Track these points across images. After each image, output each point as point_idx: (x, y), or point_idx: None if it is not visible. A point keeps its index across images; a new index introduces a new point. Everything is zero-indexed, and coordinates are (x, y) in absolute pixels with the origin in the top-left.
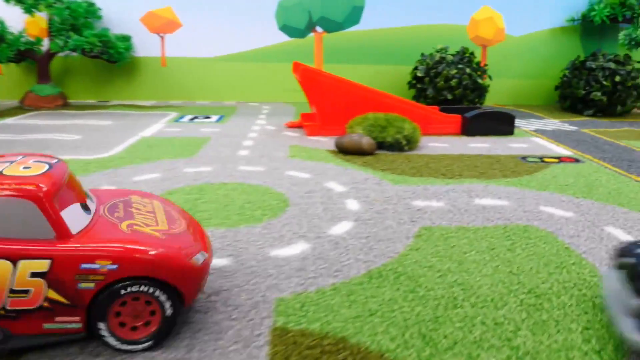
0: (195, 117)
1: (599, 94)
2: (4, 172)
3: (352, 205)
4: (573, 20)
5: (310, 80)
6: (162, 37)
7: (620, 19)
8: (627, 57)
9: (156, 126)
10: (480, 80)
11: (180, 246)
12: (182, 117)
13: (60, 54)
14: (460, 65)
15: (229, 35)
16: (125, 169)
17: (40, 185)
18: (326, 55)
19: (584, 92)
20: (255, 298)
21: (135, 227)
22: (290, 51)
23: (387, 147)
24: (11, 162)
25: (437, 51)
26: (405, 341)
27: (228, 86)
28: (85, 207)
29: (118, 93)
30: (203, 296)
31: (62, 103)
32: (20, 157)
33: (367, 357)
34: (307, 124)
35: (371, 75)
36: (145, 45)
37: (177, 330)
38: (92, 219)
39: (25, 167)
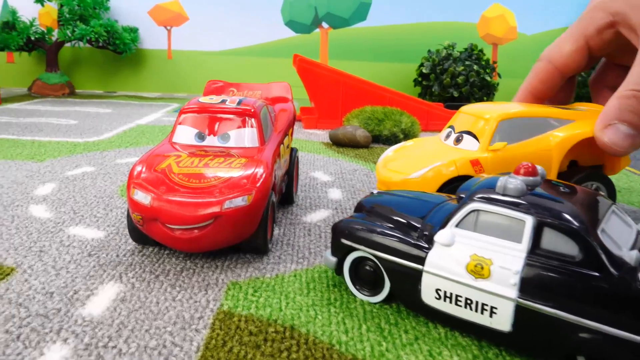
0: None
1: None
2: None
3: (334, 194)
4: None
5: (307, 72)
6: (168, 30)
7: None
8: None
9: (154, 115)
10: (488, 78)
11: None
12: None
13: (69, 44)
14: (467, 62)
15: (235, 29)
16: (111, 152)
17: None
18: (332, 52)
19: None
20: (207, 280)
21: None
22: (296, 47)
23: (384, 140)
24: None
25: (444, 47)
26: (361, 334)
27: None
28: None
29: (124, 84)
30: (150, 276)
31: (68, 92)
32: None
33: (312, 348)
34: (304, 117)
35: (377, 72)
36: (152, 38)
37: (113, 306)
38: None
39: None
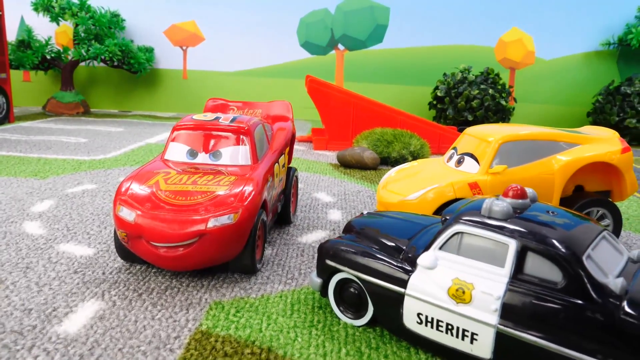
0: None
1: (634, 120)
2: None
3: (334, 215)
4: (609, 44)
5: (318, 93)
6: (184, 50)
7: None
8: None
9: (166, 134)
10: (504, 103)
11: None
12: None
13: (84, 63)
14: (483, 86)
15: (250, 50)
16: (115, 170)
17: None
18: (347, 73)
19: (617, 118)
20: (190, 300)
21: None
22: (311, 68)
23: (392, 162)
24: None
25: (460, 71)
26: (339, 358)
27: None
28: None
29: (139, 104)
30: (133, 295)
31: (83, 110)
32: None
33: None
34: (315, 138)
35: (393, 94)
36: (167, 58)
37: (90, 324)
38: None
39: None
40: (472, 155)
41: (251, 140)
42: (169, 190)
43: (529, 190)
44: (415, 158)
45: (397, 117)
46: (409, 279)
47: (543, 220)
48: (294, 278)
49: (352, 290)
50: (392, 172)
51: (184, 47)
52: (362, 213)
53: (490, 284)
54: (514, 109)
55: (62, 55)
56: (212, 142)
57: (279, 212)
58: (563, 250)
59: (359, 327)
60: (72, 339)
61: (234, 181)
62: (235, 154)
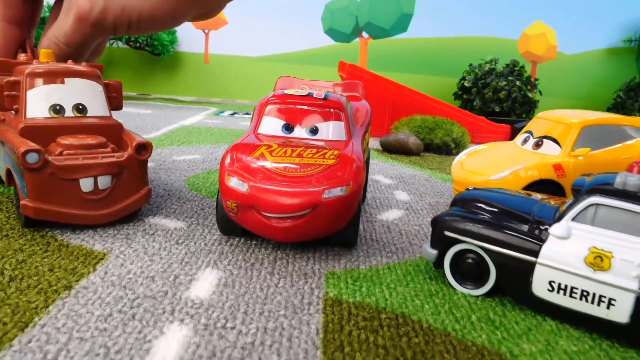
0: (235, 113)
1: None
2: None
3: (401, 196)
4: (630, 40)
5: (357, 79)
6: (206, 34)
7: None
8: None
9: (196, 117)
10: (530, 95)
11: None
12: (222, 112)
13: (107, 43)
14: (510, 78)
15: (273, 35)
16: (165, 150)
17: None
18: (370, 62)
19: (638, 114)
20: (303, 270)
21: None
22: (334, 55)
23: (434, 149)
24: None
25: (487, 62)
26: (472, 323)
27: (269, 87)
28: None
29: (159, 87)
30: (246, 264)
31: None
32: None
33: (430, 334)
34: None
35: (415, 83)
36: (189, 41)
37: (218, 290)
38: None
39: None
40: (551, 138)
41: (345, 116)
42: (276, 162)
43: None
44: (457, 145)
45: (432, 104)
46: (540, 248)
47: None
48: (393, 252)
49: (469, 261)
50: (463, 155)
51: (206, 31)
52: (467, 189)
53: (630, 252)
54: (538, 101)
55: None
56: (307, 117)
57: None
58: None
59: (477, 296)
60: (208, 303)
61: (338, 155)
62: (332, 130)
